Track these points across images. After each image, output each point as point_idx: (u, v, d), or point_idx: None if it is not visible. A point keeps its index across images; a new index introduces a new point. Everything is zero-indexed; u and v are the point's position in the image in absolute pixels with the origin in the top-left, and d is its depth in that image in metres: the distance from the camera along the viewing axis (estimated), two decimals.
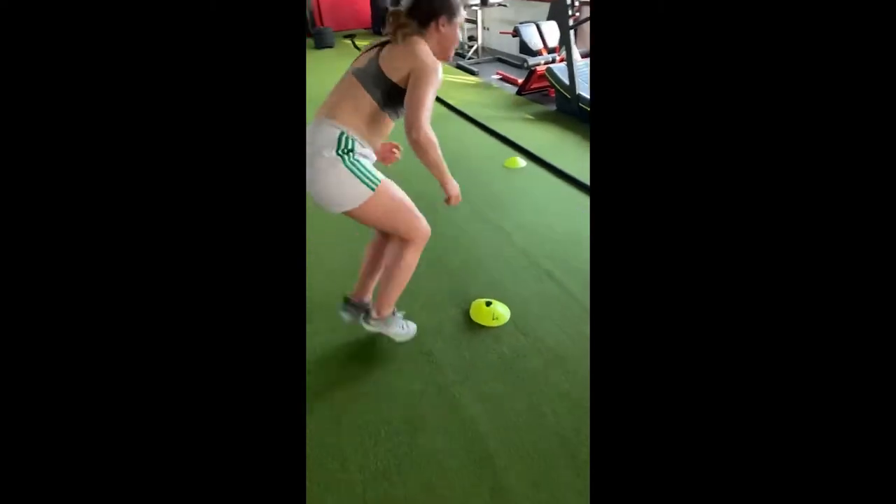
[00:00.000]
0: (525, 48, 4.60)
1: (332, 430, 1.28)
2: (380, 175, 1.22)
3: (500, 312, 1.63)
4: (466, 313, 1.67)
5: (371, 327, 1.45)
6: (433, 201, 2.38)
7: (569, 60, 3.37)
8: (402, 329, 1.49)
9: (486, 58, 5.70)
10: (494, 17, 5.89)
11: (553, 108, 3.84)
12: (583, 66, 3.48)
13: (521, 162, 2.86)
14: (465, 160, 2.95)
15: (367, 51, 1.24)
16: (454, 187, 1.32)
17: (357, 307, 1.50)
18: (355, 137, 1.16)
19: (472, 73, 5.15)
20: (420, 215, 1.32)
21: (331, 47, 7.34)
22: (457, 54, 6.00)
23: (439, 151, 1.18)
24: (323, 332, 1.62)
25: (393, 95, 1.16)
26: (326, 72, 5.47)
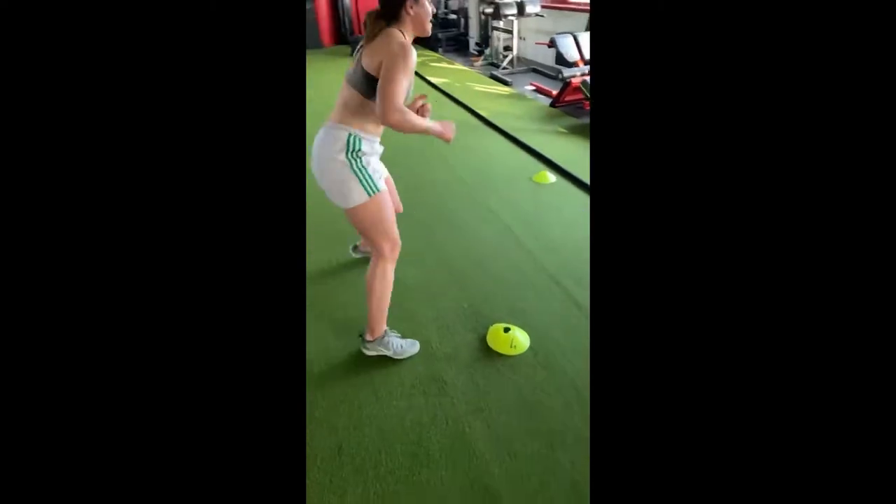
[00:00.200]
0: (561, 59, 4.49)
1: (331, 459, 1.20)
2: (381, 186, 1.35)
3: (519, 340, 1.53)
4: (483, 338, 1.57)
5: (370, 351, 1.52)
6: (453, 219, 2.33)
7: None
8: (401, 347, 1.53)
9: (521, 68, 5.61)
10: (531, 27, 5.80)
11: (587, 121, 3.71)
12: None
13: (551, 177, 2.75)
14: (492, 173, 2.86)
15: (356, 56, 1.35)
16: (440, 129, 1.38)
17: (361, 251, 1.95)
18: (360, 135, 1.30)
19: (505, 83, 5.07)
20: (396, 237, 1.43)
21: None
22: (491, 64, 5.95)
23: (413, 120, 1.25)
24: (332, 349, 1.56)
25: (375, 87, 1.24)
26: None
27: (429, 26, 1.33)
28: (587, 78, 3.61)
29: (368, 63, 1.26)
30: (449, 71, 5.97)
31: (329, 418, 1.32)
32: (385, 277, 1.43)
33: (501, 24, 5.56)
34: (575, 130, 3.58)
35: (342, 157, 1.28)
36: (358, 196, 1.31)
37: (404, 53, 1.20)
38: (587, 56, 4.46)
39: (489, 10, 5.69)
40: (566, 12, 5.14)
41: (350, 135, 1.28)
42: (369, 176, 1.31)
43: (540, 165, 2.95)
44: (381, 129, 1.37)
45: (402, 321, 1.68)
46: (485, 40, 6.51)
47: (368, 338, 1.49)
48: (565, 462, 1.18)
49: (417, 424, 1.29)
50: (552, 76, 4.88)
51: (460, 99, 4.44)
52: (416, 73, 5.74)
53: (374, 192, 1.32)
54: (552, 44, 4.50)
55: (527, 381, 1.41)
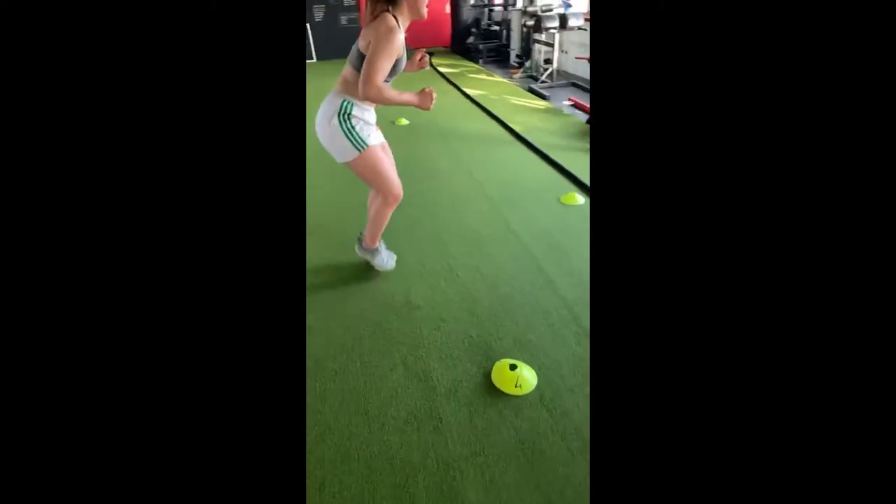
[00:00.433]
0: None
1: (312, 496, 1.13)
2: (370, 143, 1.59)
3: (526, 379, 1.42)
4: (488, 373, 1.47)
5: (360, 254, 1.93)
6: (472, 237, 2.23)
7: None
8: (384, 261, 1.92)
9: (561, 82, 5.48)
10: (573, 40, 5.67)
11: None
12: None
13: (580, 199, 2.62)
14: (518, 191, 2.75)
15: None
16: (417, 101, 1.58)
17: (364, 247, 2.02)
18: (353, 102, 1.55)
19: (542, 97, 4.95)
20: (394, 181, 1.69)
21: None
22: (530, 76, 5.84)
23: (389, 93, 1.46)
24: (326, 370, 1.50)
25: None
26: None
27: (424, 10, 1.46)
28: None
29: (363, 43, 1.45)
30: (487, 83, 5.90)
31: (316, 448, 1.25)
32: (383, 214, 1.78)
33: (543, 36, 5.45)
34: None
35: (335, 120, 1.52)
36: (350, 152, 1.57)
37: (389, 37, 1.37)
38: None
39: (531, 22, 5.59)
40: None
41: (344, 101, 1.53)
42: (357, 134, 1.55)
43: (570, 186, 2.82)
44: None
45: (404, 345, 1.61)
46: (526, 53, 6.42)
47: (364, 245, 1.90)
48: None
49: (407, 464, 1.21)
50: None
51: (494, 111, 4.35)
52: (453, 84, 5.72)
53: (362, 147, 1.57)
54: None
55: (529, 426, 1.30)
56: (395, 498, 1.13)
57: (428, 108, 1.60)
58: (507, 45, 7.23)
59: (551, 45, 5.38)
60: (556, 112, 4.44)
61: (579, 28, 5.06)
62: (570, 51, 5.71)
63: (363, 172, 1.64)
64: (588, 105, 4.36)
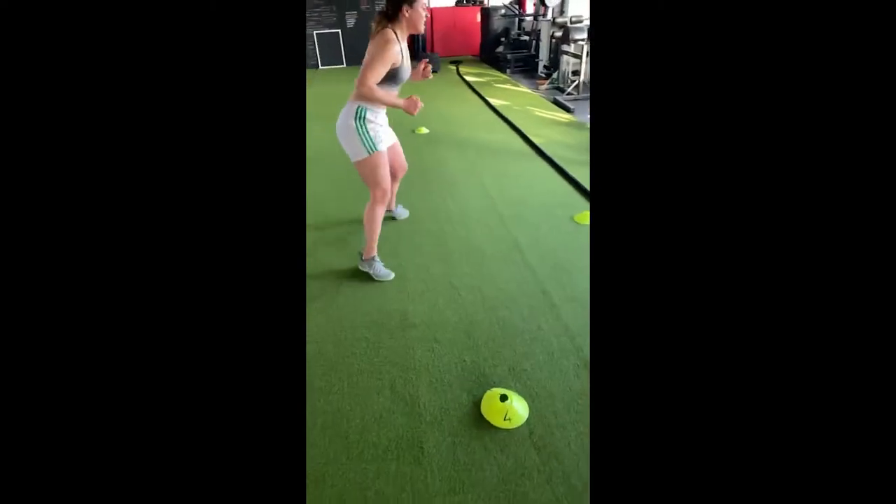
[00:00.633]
0: None
1: None
2: (380, 148, 1.83)
3: (516, 412, 1.34)
4: (478, 402, 1.41)
5: (361, 267, 2.07)
6: (477, 254, 2.15)
7: None
8: (379, 273, 2.04)
9: (587, 94, 5.36)
10: None
11: None
12: None
13: None
14: (531, 207, 2.67)
15: None
16: (404, 105, 1.80)
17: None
18: (366, 107, 1.79)
19: (567, 109, 4.85)
20: (385, 184, 1.89)
21: (435, 72, 7.47)
22: (556, 88, 5.75)
23: (379, 93, 1.71)
24: (311, 397, 1.46)
25: None
26: (427, 98, 5.42)
27: (422, 27, 1.74)
28: None
29: (367, 55, 1.71)
30: (512, 93, 5.84)
31: None
32: (373, 215, 1.94)
33: (571, 48, 5.36)
34: None
35: (352, 122, 1.77)
36: (361, 152, 1.80)
37: (386, 47, 1.66)
38: None
39: (559, 33, 5.51)
40: None
41: (359, 106, 1.78)
42: (371, 138, 1.80)
43: (585, 203, 2.72)
44: (388, 102, 1.79)
45: (395, 366, 1.56)
46: (554, 63, 6.33)
47: (364, 256, 2.04)
48: None
49: (380, 497, 1.15)
50: None
51: (515, 123, 4.28)
52: (477, 93, 5.68)
53: (372, 150, 1.80)
54: None
55: (514, 465, 1.22)
56: None
57: (412, 113, 1.82)
58: (536, 56, 7.15)
59: (579, 57, 5.28)
60: (579, 126, 4.34)
61: None
62: None
63: (365, 171, 1.86)
64: None
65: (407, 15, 1.70)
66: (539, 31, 6.97)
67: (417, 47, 8.38)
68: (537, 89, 5.97)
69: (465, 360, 1.58)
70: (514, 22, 7.92)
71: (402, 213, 2.58)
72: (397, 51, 1.69)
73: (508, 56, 7.34)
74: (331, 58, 8.45)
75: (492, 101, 5.29)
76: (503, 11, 7.91)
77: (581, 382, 1.46)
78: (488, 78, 6.88)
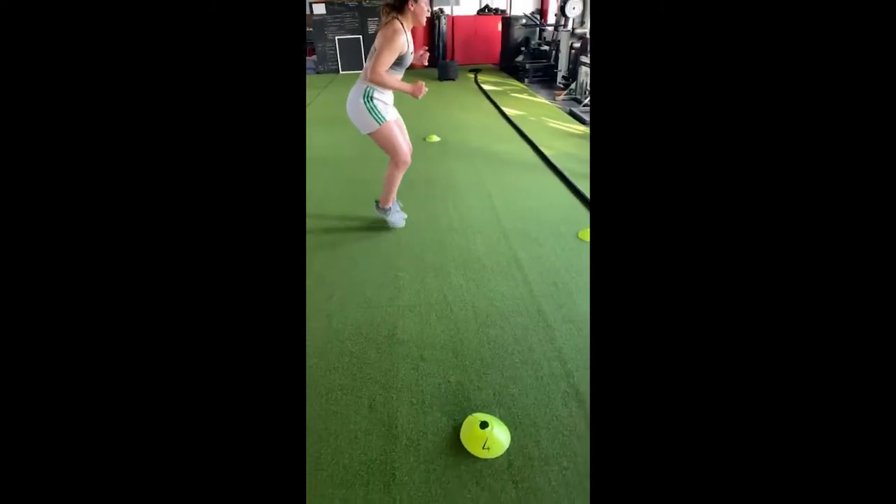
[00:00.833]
0: None
1: None
2: (388, 118, 2.13)
3: (496, 440, 1.27)
4: (458, 427, 1.34)
5: (377, 213, 2.43)
6: (474, 268, 2.08)
7: None
8: (393, 221, 2.43)
9: None
10: None
11: None
12: None
13: None
14: (535, 222, 2.60)
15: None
16: (410, 89, 2.08)
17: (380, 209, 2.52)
18: (372, 87, 2.06)
19: (583, 121, 4.77)
20: (403, 150, 2.21)
21: (453, 80, 7.46)
22: (574, 99, 5.67)
23: (389, 79, 2.00)
24: None
25: None
26: (441, 106, 5.43)
27: (423, 19, 2.00)
28: None
29: (377, 42, 1.99)
30: (528, 103, 5.77)
31: None
32: (392, 177, 2.28)
33: (589, 59, 5.28)
34: None
35: (361, 101, 2.06)
36: (372, 125, 2.09)
37: (394, 37, 1.92)
38: None
39: (578, 44, 5.43)
40: None
41: (367, 87, 2.05)
42: (378, 111, 2.08)
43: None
44: (394, 85, 2.06)
45: (377, 384, 1.50)
46: (572, 74, 6.25)
47: (380, 205, 2.39)
48: None
49: None
50: None
51: (529, 133, 4.22)
52: (493, 102, 5.63)
53: (381, 121, 2.09)
54: None
55: (490, 499, 1.15)
56: None
57: (417, 97, 2.11)
58: (556, 66, 7.08)
59: None
60: None
61: None
62: None
63: (380, 141, 2.15)
64: None
65: (412, 8, 1.94)
66: (559, 41, 6.90)
67: (438, 54, 8.39)
68: (554, 100, 5.89)
69: (449, 381, 1.51)
70: (534, 32, 7.87)
71: (400, 218, 2.51)
72: (404, 40, 1.95)
73: (527, 66, 7.29)
74: (351, 63, 8.52)
75: (507, 110, 5.23)
76: (524, 21, 7.87)
77: (568, 412, 1.39)
78: (506, 87, 6.83)
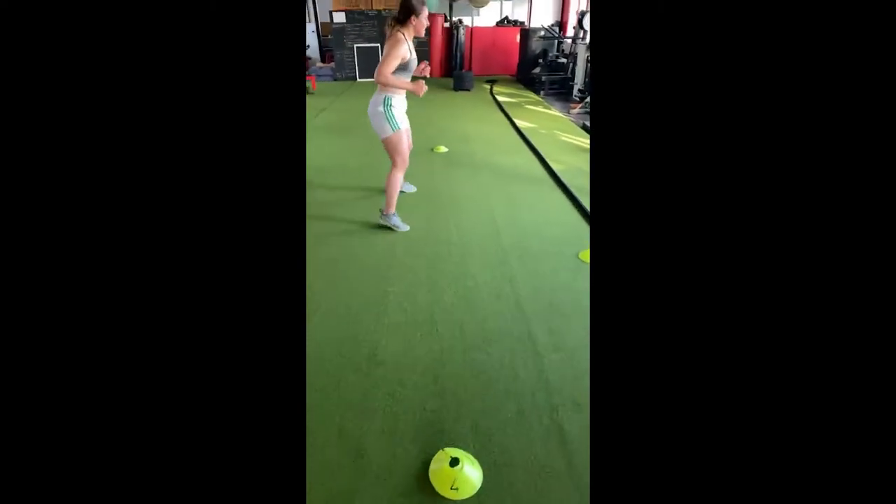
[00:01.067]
0: None
1: None
2: (402, 127, 2.41)
3: (467, 480, 1.19)
4: (427, 461, 1.26)
5: (380, 220, 2.61)
6: (467, 286, 2.00)
7: None
8: (397, 226, 2.59)
9: None
10: None
11: None
12: None
13: None
14: (535, 238, 2.51)
15: None
16: (413, 87, 2.34)
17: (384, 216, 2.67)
18: (391, 95, 2.34)
19: None
20: (405, 156, 2.49)
21: (468, 90, 7.42)
22: (588, 113, 5.56)
23: (394, 81, 2.25)
24: None
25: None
26: (452, 116, 5.45)
27: (422, 31, 2.33)
28: None
29: (384, 49, 2.27)
30: (541, 115, 5.69)
31: None
32: (393, 181, 2.49)
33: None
34: None
35: (381, 108, 2.34)
36: (388, 130, 2.38)
37: (396, 46, 2.21)
38: None
39: None
40: None
41: (386, 96, 2.33)
42: (395, 118, 2.37)
43: None
44: (404, 91, 2.39)
45: (350, 410, 1.43)
46: (588, 88, 6.15)
47: (384, 212, 2.58)
48: None
49: None
50: None
51: (539, 147, 4.13)
52: (505, 114, 5.57)
53: (396, 128, 2.38)
54: None
55: None
56: None
57: (419, 94, 2.37)
58: (572, 79, 6.99)
59: None
60: None
61: None
62: None
63: (389, 145, 2.43)
64: None
65: (414, 22, 2.29)
66: (576, 54, 6.82)
67: (454, 65, 8.38)
68: (569, 113, 5.80)
69: (425, 409, 1.43)
70: (552, 44, 7.81)
71: (410, 187, 3.13)
72: (406, 48, 2.26)
73: (543, 78, 7.21)
74: (369, 71, 8.56)
75: (519, 122, 5.16)
76: (543, 33, 7.81)
77: (547, 452, 1.29)
78: (520, 99, 6.77)
